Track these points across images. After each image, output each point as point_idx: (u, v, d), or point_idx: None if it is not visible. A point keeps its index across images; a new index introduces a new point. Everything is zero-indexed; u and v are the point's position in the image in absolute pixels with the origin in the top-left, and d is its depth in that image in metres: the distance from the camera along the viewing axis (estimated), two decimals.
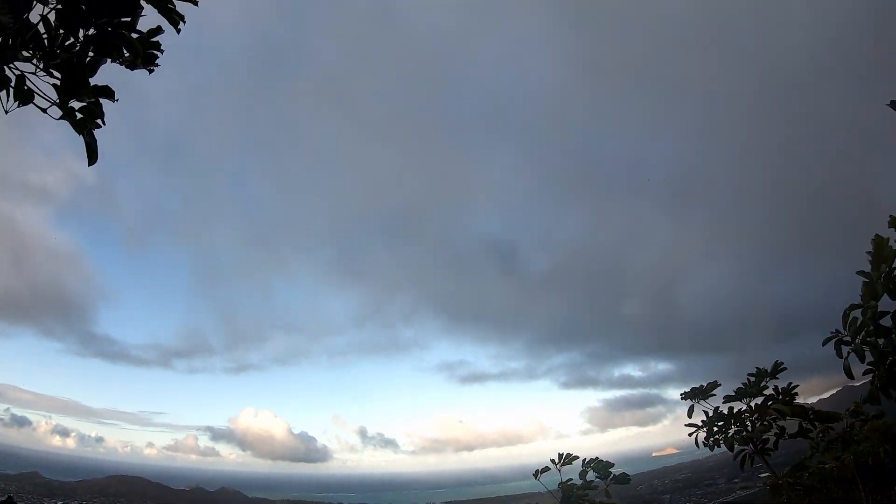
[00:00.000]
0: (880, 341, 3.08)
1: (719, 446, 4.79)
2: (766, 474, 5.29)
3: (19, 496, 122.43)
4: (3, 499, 63.48)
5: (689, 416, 4.98)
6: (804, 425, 4.64)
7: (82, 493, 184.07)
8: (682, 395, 5.02)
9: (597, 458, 4.98)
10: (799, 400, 4.82)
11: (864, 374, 3.48)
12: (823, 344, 3.31)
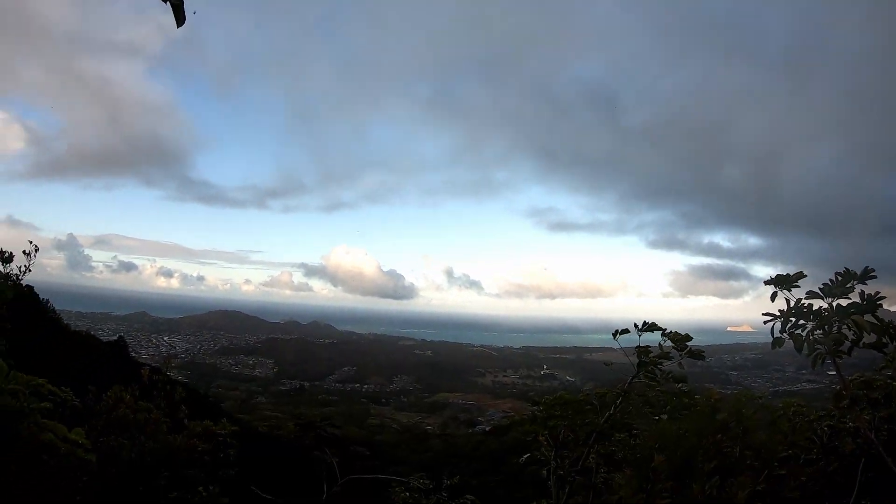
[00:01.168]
0: None
1: (793, 340, 4.53)
2: (833, 373, 4.86)
3: (130, 334, 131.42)
4: (115, 338, 66.33)
5: (773, 300, 4.67)
6: (882, 339, 4.41)
7: (186, 327, 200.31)
8: (766, 281, 4.81)
9: (676, 332, 5.17)
10: (886, 306, 4.47)
11: None
12: None
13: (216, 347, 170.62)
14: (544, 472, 5.27)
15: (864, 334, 4.40)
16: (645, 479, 4.21)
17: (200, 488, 4.72)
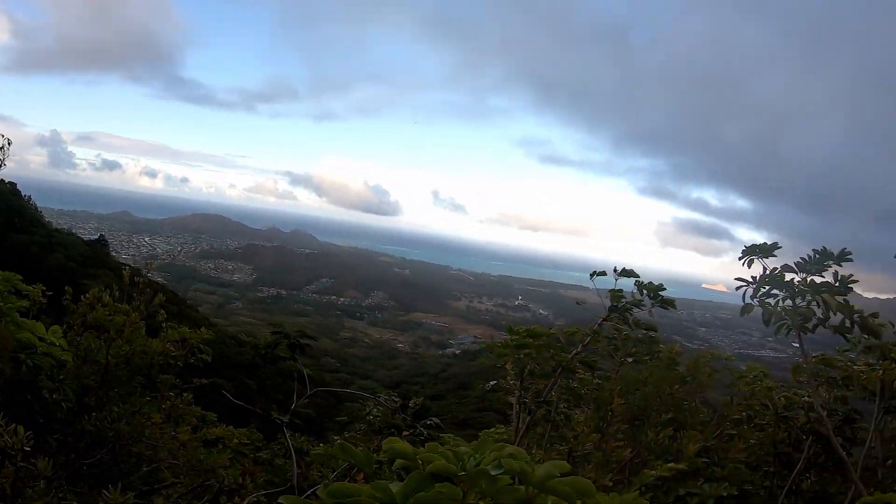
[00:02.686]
0: None
1: (762, 309, 4.75)
2: (797, 345, 5.08)
3: (111, 234, 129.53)
4: (96, 237, 66.13)
5: (749, 267, 4.87)
6: (846, 324, 4.57)
7: (167, 228, 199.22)
8: (742, 250, 4.98)
9: (651, 282, 5.35)
10: (858, 290, 4.78)
11: None
12: None
13: (197, 250, 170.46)
14: (511, 398, 5.44)
15: (832, 314, 4.56)
16: (602, 420, 4.41)
17: (172, 394, 4.83)
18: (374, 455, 1.82)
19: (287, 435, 5.96)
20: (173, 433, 4.87)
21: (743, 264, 5.01)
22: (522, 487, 1.76)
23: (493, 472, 1.60)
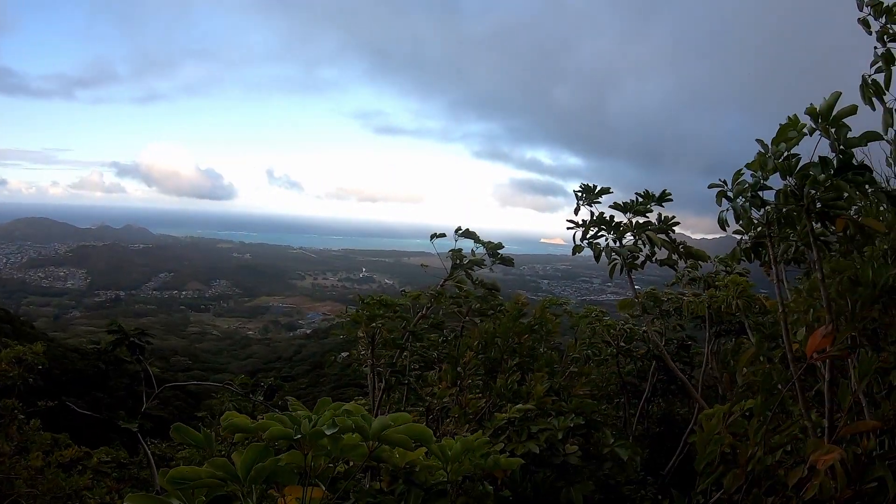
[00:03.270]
0: (754, 210, 3.18)
1: (591, 249, 5.15)
2: (638, 287, 5.64)
3: None
4: None
5: (576, 213, 5.22)
6: (672, 257, 5.11)
7: None
8: (574, 191, 5.30)
9: (490, 241, 5.52)
10: (685, 232, 5.69)
11: (735, 233, 3.61)
12: (709, 187, 3.40)
13: (23, 260, 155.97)
14: (365, 368, 5.51)
15: (657, 249, 4.91)
16: (458, 375, 4.57)
17: (21, 417, 4.50)
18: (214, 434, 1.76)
19: (145, 442, 5.66)
20: (26, 461, 4.56)
21: (575, 212, 5.26)
22: (364, 444, 1.79)
23: (327, 432, 1.62)
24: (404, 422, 1.79)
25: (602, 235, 5.15)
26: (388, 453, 1.95)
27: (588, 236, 5.17)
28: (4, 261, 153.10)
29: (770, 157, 2.97)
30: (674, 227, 5.16)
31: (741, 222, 3.31)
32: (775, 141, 2.95)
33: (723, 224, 3.42)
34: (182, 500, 1.45)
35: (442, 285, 5.38)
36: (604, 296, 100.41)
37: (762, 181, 3.10)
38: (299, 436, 1.56)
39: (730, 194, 3.31)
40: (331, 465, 1.83)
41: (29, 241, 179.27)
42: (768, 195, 3.11)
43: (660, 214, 5.15)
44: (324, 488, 1.78)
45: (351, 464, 2.07)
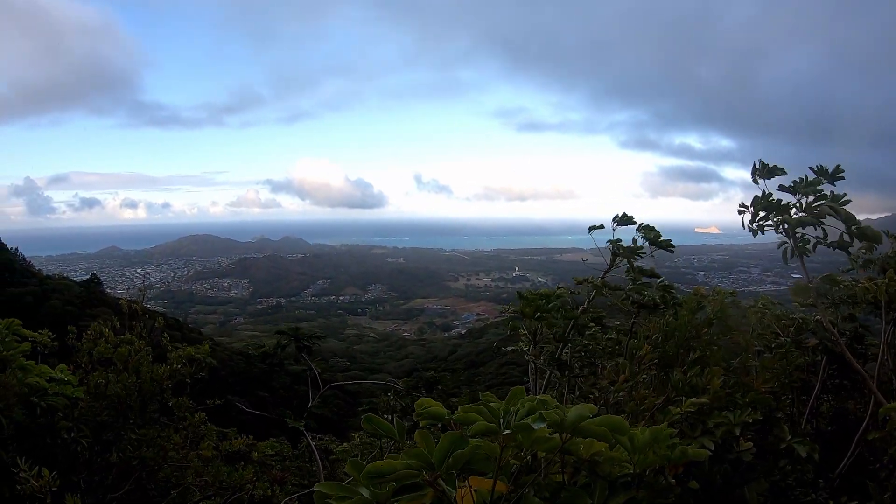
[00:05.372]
0: None
1: (762, 232, 4.61)
2: (798, 276, 5.17)
3: (102, 271, 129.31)
4: (88, 277, 65.88)
5: (755, 180, 4.67)
6: (845, 238, 4.48)
7: (158, 256, 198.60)
8: (752, 170, 4.75)
9: (649, 224, 5.21)
10: (851, 211, 4.44)
11: None
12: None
13: (190, 273, 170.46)
14: (527, 357, 5.48)
15: (825, 235, 4.46)
16: (634, 370, 4.43)
17: (188, 414, 4.84)
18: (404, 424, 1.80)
19: (308, 436, 6.05)
20: (197, 451, 4.92)
21: (756, 182, 4.87)
22: (557, 435, 1.75)
23: (535, 426, 1.59)
24: (594, 413, 1.74)
25: (773, 217, 4.71)
26: (576, 445, 1.90)
27: (757, 220, 4.72)
28: (173, 274, 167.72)
29: None
30: (844, 206, 4.55)
31: None
32: None
33: None
34: (370, 488, 1.48)
35: (602, 277, 5.26)
36: (763, 286, 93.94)
37: None
38: (507, 431, 1.54)
39: None
40: (520, 455, 1.81)
41: (195, 256, 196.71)
42: None
43: (831, 192, 4.64)
44: (507, 482, 1.74)
45: (529, 455, 2.00)
